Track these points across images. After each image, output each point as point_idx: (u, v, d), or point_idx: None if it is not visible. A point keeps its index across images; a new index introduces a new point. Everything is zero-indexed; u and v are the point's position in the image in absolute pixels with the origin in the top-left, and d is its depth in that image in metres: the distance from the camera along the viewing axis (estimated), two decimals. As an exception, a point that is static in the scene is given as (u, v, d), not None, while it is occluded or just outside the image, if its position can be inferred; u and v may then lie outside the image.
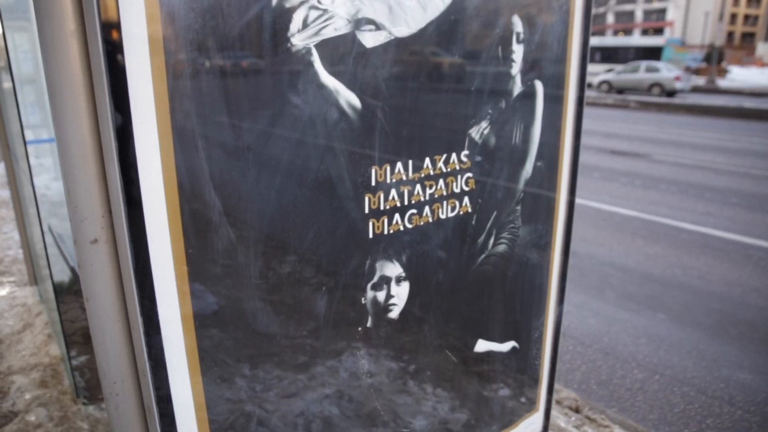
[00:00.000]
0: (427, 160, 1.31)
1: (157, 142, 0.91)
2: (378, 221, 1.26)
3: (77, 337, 2.48)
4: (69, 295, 2.53)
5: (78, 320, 2.49)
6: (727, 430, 2.68)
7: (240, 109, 1.00)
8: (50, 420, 2.19)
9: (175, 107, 0.92)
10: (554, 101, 1.56)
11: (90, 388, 2.34)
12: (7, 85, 2.49)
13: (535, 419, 1.92)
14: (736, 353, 3.37)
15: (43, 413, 2.23)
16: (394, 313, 1.37)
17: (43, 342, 2.77)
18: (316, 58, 1.06)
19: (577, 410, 2.44)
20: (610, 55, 33.09)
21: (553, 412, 2.34)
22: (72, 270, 2.44)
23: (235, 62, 0.99)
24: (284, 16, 1.01)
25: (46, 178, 2.87)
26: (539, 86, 1.50)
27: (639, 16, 57.76)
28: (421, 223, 1.35)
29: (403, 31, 1.18)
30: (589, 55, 1.59)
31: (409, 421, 1.51)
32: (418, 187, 1.31)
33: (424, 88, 1.26)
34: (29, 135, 2.77)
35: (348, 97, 1.12)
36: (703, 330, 3.66)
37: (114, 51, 0.84)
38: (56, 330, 2.67)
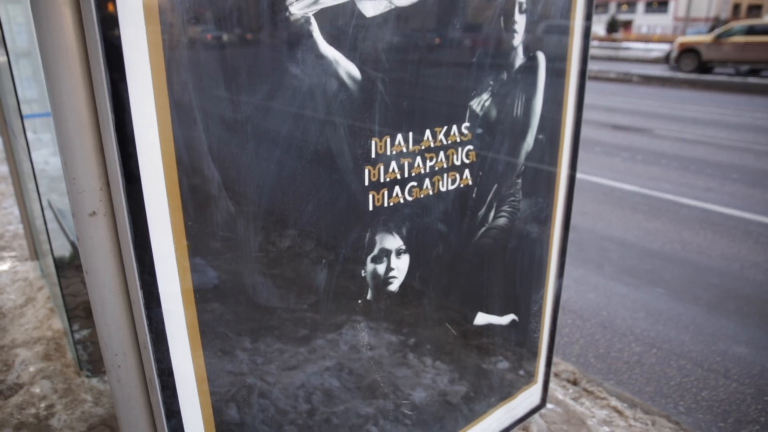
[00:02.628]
0: (428, 132, 1.30)
1: (154, 113, 0.90)
2: (378, 193, 1.25)
3: (79, 311, 2.50)
4: (70, 269, 2.54)
5: (80, 294, 2.51)
6: (722, 403, 2.71)
7: (238, 80, 0.99)
8: (55, 392, 2.22)
9: (172, 78, 0.90)
10: (556, 74, 1.54)
11: (93, 361, 2.36)
12: (2, 59, 2.46)
13: (534, 391, 1.95)
14: (733, 327, 3.39)
15: (48, 385, 2.26)
16: (394, 286, 1.37)
17: (46, 316, 2.79)
18: (315, 28, 1.04)
19: (574, 383, 2.47)
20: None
21: (551, 385, 2.37)
22: (72, 245, 2.45)
23: (233, 31, 0.97)
24: (282, -16, 0.99)
25: (45, 153, 2.86)
26: (541, 58, 1.48)
27: (643, -12, 56.76)
28: (422, 195, 1.34)
29: None
30: (592, 28, 1.56)
31: (409, 393, 1.53)
32: (419, 159, 1.30)
33: (424, 59, 1.24)
34: (26, 109, 2.75)
35: (348, 68, 1.11)
36: (701, 304, 3.68)
37: (109, 21, 0.82)
38: (58, 304, 2.68)
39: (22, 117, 2.11)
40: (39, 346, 2.53)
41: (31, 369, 2.37)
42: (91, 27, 0.83)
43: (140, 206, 0.92)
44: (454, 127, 1.35)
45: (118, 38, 0.83)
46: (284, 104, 1.05)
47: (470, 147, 1.40)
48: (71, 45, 0.86)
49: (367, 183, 1.23)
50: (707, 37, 15.98)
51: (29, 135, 2.17)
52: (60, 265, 2.37)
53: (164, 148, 0.92)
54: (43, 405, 2.15)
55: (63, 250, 2.50)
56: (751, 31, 15.22)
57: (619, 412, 2.26)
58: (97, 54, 0.84)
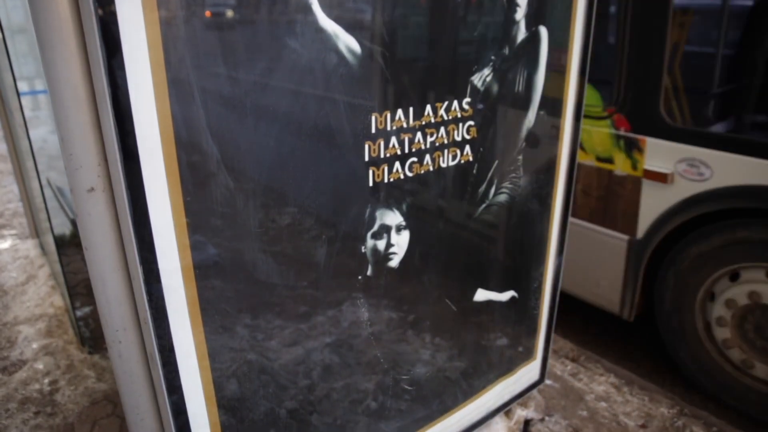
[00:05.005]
0: (428, 108, 1.29)
1: (151, 89, 0.89)
2: (378, 169, 1.24)
3: (80, 288, 2.51)
4: (70, 247, 2.54)
5: (80, 272, 2.51)
6: (720, 378, 2.73)
7: (236, 55, 0.97)
8: (58, 368, 2.24)
9: (169, 53, 0.89)
10: (559, 50, 1.52)
11: (95, 338, 2.38)
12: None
13: (533, 367, 1.96)
14: (732, 304, 3.40)
15: (51, 361, 2.28)
16: (394, 262, 1.37)
17: (47, 293, 2.80)
18: (314, 1, 1.02)
19: (573, 359, 2.49)
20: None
21: (550, 361, 2.38)
22: (72, 222, 2.44)
23: (231, 5, 0.95)
24: (279, -46, 0.97)
25: (44, 131, 2.83)
26: (544, 32, 1.45)
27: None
28: (422, 171, 1.33)
29: (404, -28, 1.13)
30: (595, 3, 1.53)
31: (409, 369, 1.54)
32: (419, 134, 1.29)
33: (425, 33, 1.23)
34: (23, 86, 2.72)
35: (347, 42, 1.09)
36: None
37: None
38: (59, 282, 2.69)
39: (18, 94, 2.09)
40: (41, 323, 2.55)
41: (34, 345, 2.39)
42: (86, 1, 0.81)
43: (139, 182, 0.91)
44: (455, 103, 1.34)
45: (114, 13, 0.82)
46: (283, 79, 1.03)
47: (471, 123, 1.39)
48: (66, 20, 0.84)
49: (367, 158, 1.22)
50: None
51: (27, 113, 2.15)
52: (60, 242, 2.37)
53: (162, 123, 0.91)
54: (46, 381, 2.18)
55: (63, 227, 2.50)
56: None
57: (617, 388, 2.28)
58: (92, 29, 0.82)
